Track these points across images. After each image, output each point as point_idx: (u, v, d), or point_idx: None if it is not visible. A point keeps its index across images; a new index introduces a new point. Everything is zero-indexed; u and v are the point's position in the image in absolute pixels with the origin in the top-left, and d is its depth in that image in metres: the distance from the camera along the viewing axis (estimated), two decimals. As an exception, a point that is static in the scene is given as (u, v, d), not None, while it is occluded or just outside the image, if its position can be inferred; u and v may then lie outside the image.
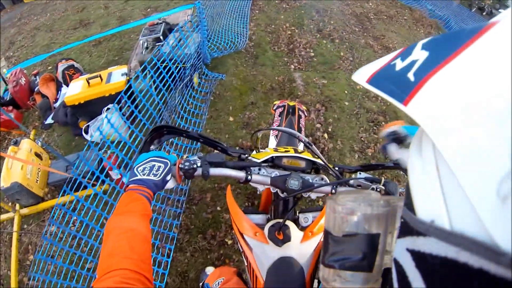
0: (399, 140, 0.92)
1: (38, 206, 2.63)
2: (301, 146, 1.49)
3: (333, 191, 0.88)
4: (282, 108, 1.68)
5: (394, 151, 0.90)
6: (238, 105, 3.35)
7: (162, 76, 2.75)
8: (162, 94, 2.68)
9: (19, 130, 3.45)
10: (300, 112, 1.68)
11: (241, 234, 0.92)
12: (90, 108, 2.98)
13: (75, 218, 2.34)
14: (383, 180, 0.86)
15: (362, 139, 3.05)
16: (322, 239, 0.89)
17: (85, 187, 2.01)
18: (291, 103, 1.70)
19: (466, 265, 0.20)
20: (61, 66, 3.72)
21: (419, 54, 0.30)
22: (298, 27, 4.84)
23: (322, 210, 0.98)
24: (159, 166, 0.82)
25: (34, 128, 3.52)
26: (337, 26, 4.96)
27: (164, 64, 2.75)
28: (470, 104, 0.22)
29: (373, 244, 0.45)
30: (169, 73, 2.80)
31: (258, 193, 1.60)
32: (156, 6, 5.83)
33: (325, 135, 3.02)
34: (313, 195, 0.93)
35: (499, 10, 7.39)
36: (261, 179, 0.91)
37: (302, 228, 0.94)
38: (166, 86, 2.79)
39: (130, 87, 2.79)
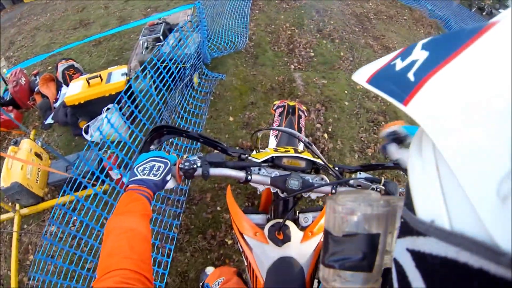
0: (399, 140, 0.92)
1: (38, 206, 2.63)
2: (301, 146, 1.49)
3: (333, 191, 0.88)
4: (282, 108, 1.68)
5: (394, 151, 0.90)
6: (238, 105, 3.35)
7: (162, 76, 2.75)
8: (162, 94, 2.68)
9: (19, 130, 3.45)
10: (300, 112, 1.68)
11: (241, 234, 0.92)
12: (90, 108, 2.98)
13: (75, 218, 2.34)
14: (383, 180, 0.86)
15: (362, 139, 3.05)
16: (322, 239, 0.90)
17: (85, 187, 2.01)
18: (291, 103, 1.70)
19: (466, 265, 0.20)
20: (61, 66, 3.72)
21: (419, 54, 0.30)
22: (298, 27, 4.84)
23: (322, 210, 0.98)
24: (159, 166, 0.82)
25: (34, 128, 3.52)
26: (337, 26, 4.96)
27: (164, 64, 2.75)
28: (470, 104, 0.22)
29: (373, 244, 0.45)
30: (169, 73, 2.80)
31: (258, 193, 1.61)
32: (156, 6, 5.83)
33: (325, 135, 3.02)
34: (313, 195, 0.93)
35: (499, 10, 7.39)
36: (261, 179, 0.91)
37: (302, 228, 0.94)
38: (166, 86, 2.79)
39: (130, 87, 2.79)
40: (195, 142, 2.79)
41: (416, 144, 0.29)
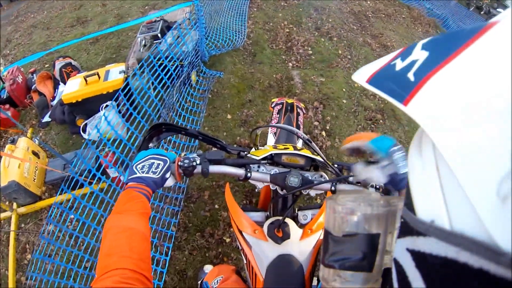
0: (362, 155, 0.87)
1: (36, 205, 2.62)
2: (299, 143, 1.50)
3: (333, 188, 0.88)
4: (281, 105, 1.68)
5: (361, 171, 0.78)
6: (236, 102, 3.35)
7: (160, 73, 2.74)
8: (158, 92, 2.67)
9: (16, 129, 3.43)
10: (299, 110, 1.68)
11: (240, 232, 0.92)
12: (88, 106, 2.96)
13: (72, 216, 2.34)
14: None
15: (360, 137, 3.05)
16: (321, 237, 0.90)
17: (82, 185, 2.00)
18: (290, 101, 1.70)
19: (466, 265, 0.20)
20: (59, 64, 3.70)
21: (419, 54, 0.29)
22: (296, 25, 4.83)
23: (321, 208, 0.98)
24: (158, 164, 0.82)
25: (31, 127, 3.50)
26: (335, 24, 4.95)
27: (159, 62, 2.74)
28: (470, 104, 0.22)
29: (373, 244, 0.45)
30: (165, 70, 2.79)
31: (256, 190, 1.61)
32: (154, 4, 5.80)
33: (323, 133, 3.02)
34: (313, 192, 0.93)
35: (497, 10, 7.39)
36: (261, 177, 0.91)
37: (301, 226, 0.95)
38: (162, 84, 2.78)
39: (127, 84, 2.78)
40: (193, 140, 2.79)
41: (416, 144, 0.29)
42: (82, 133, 2.95)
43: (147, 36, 3.54)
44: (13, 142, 2.73)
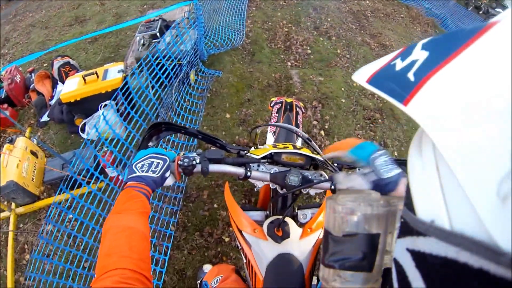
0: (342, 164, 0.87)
1: (34, 204, 2.61)
2: (299, 142, 1.50)
3: (332, 187, 0.88)
4: (280, 104, 1.68)
5: (342, 180, 0.76)
6: (234, 102, 3.35)
7: (160, 72, 2.73)
8: (155, 91, 2.66)
9: (15, 128, 3.41)
10: (298, 109, 1.68)
11: (240, 231, 0.92)
12: (86, 105, 2.95)
13: (70, 216, 2.33)
14: None
15: (359, 136, 3.06)
16: (320, 236, 0.90)
17: (80, 185, 2.00)
18: (289, 100, 1.70)
19: (466, 265, 0.20)
20: (57, 63, 3.68)
21: (419, 54, 0.30)
22: (295, 25, 4.83)
23: (320, 207, 0.98)
24: (158, 163, 0.81)
25: (29, 126, 3.49)
26: (334, 23, 4.95)
27: (157, 61, 2.73)
28: (470, 104, 0.22)
29: (373, 244, 0.45)
30: (163, 69, 2.78)
31: (256, 189, 1.61)
32: (152, 3, 5.78)
33: (322, 132, 3.02)
34: (312, 191, 0.93)
35: (496, 9, 7.40)
36: (261, 176, 0.91)
37: (301, 225, 0.95)
38: (159, 83, 2.77)
39: (126, 84, 2.77)
40: (191, 139, 2.79)
41: (416, 144, 0.29)
42: (80, 132, 2.94)
43: (145, 35, 3.53)
44: (12, 141, 2.72)
